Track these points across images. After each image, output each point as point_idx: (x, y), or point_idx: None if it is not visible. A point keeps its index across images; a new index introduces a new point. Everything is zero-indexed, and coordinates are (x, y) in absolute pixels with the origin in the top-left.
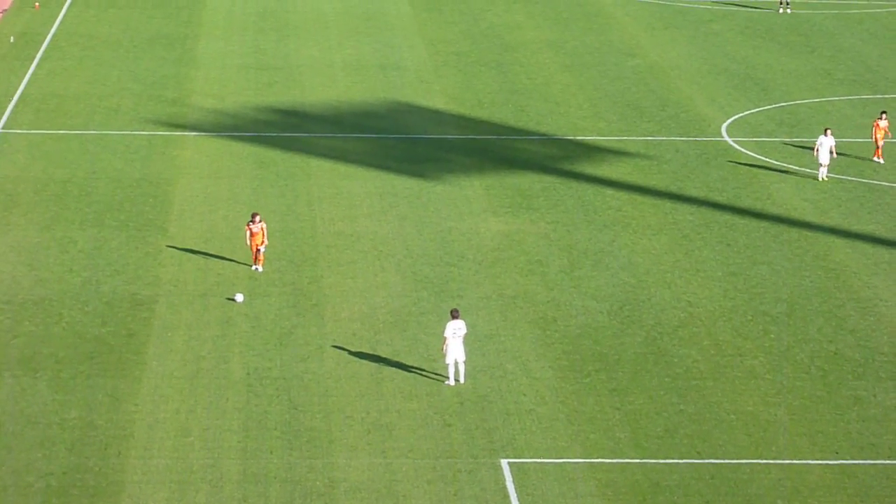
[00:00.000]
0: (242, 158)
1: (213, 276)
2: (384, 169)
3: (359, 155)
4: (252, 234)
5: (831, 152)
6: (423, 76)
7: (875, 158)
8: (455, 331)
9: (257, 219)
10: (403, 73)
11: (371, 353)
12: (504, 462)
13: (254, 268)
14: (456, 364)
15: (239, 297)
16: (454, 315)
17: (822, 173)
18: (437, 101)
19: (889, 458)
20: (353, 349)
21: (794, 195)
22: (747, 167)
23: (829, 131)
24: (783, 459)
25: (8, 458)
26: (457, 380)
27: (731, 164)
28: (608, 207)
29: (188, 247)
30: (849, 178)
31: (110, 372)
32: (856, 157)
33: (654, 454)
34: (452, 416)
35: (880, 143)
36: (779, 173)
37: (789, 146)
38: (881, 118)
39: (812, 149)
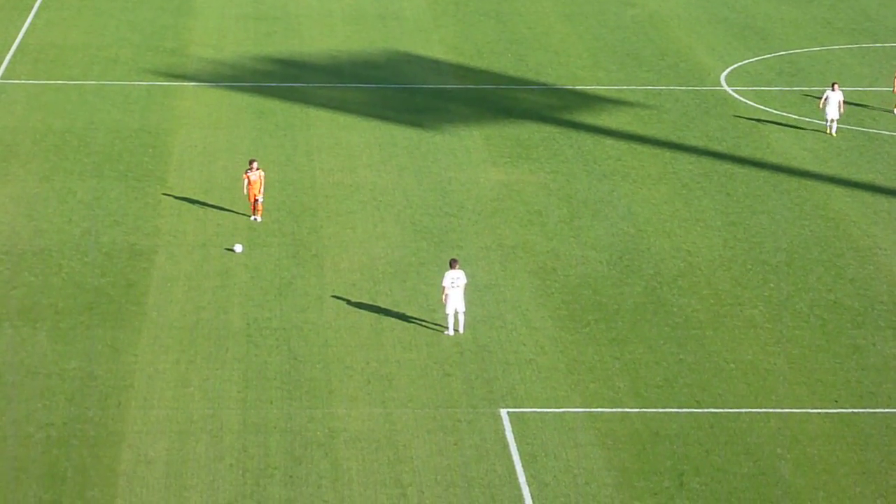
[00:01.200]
0: (241, 109)
1: (213, 227)
2: (383, 119)
3: (358, 105)
4: (250, 183)
5: (840, 107)
6: (422, 25)
7: (895, 110)
8: (454, 280)
9: (255, 166)
10: (402, 23)
11: (370, 303)
12: (503, 412)
13: (252, 218)
14: (455, 314)
15: (238, 248)
16: (453, 265)
17: (832, 128)
18: (436, 51)
19: (888, 406)
20: (352, 299)
21: (794, 144)
22: (746, 117)
23: (836, 85)
24: (782, 408)
25: (8, 408)
26: (456, 330)
27: (730, 113)
28: (607, 157)
29: (187, 197)
30: (848, 126)
31: (110, 322)
32: (856, 105)
33: (653, 403)
34: (452, 366)
35: None
36: (778, 123)
37: (788, 95)
38: None
39: (816, 98)
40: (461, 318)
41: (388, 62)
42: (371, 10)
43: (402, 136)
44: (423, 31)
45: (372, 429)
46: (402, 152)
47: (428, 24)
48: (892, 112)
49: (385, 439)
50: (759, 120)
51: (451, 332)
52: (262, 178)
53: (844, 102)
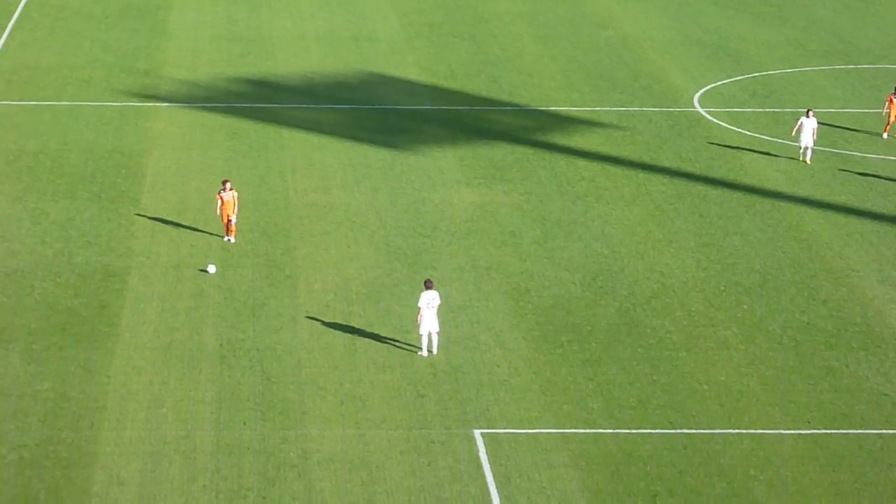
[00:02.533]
0: (215, 130)
1: (186, 248)
2: (357, 140)
3: (331, 126)
4: (223, 203)
5: (813, 134)
6: (396, 47)
7: (884, 135)
8: (429, 301)
9: (228, 186)
10: (376, 44)
11: (344, 324)
12: (477, 433)
13: (226, 239)
14: (430, 335)
15: (211, 269)
16: (428, 286)
17: (807, 155)
18: (410, 72)
19: (861, 427)
20: (326, 320)
21: (767, 166)
22: (720, 138)
23: (810, 112)
24: (756, 429)
25: None
26: (430, 351)
27: (703, 135)
28: (581, 178)
29: (161, 218)
30: (821, 148)
31: (83, 343)
32: (829, 127)
33: (626, 424)
34: (426, 386)
35: (892, 120)
36: (751, 144)
37: (762, 117)
38: None
39: (790, 120)
40: (435, 338)
41: (362, 83)
42: (345, 31)
43: (375, 156)
44: (397, 53)
45: (345, 450)
46: (375, 173)
47: (402, 45)
48: (882, 136)
49: (358, 460)
50: (732, 141)
51: (424, 353)
52: (236, 198)
53: (819, 125)
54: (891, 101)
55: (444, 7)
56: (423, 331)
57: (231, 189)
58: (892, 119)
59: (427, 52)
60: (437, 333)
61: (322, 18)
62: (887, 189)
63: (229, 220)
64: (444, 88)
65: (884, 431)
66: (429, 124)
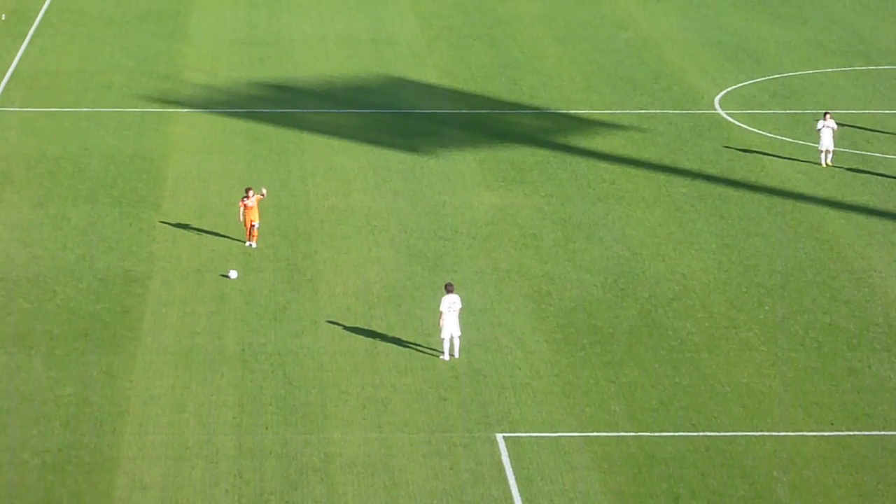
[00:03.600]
0: (235, 134)
1: (207, 252)
2: (377, 143)
3: (352, 129)
4: (246, 209)
5: (833, 136)
6: (416, 50)
7: None
8: (450, 305)
9: (251, 193)
10: (396, 48)
11: (365, 327)
12: (499, 436)
13: (248, 244)
14: (451, 339)
15: (233, 274)
16: (449, 290)
17: (828, 158)
18: (430, 75)
19: (884, 429)
20: (347, 324)
21: (788, 167)
22: (740, 140)
23: (828, 115)
24: (778, 431)
25: (3, 435)
26: (451, 355)
27: (724, 136)
28: (601, 180)
29: (182, 222)
30: (842, 149)
31: (104, 348)
32: (850, 127)
33: (649, 427)
34: (447, 390)
35: None
36: (772, 145)
37: (782, 118)
38: None
39: (809, 125)
40: (457, 342)
41: (382, 87)
42: (364, 34)
43: (396, 160)
44: (417, 56)
45: (367, 453)
46: (396, 176)
47: (421, 48)
48: None
49: (380, 464)
50: (752, 143)
51: (446, 356)
52: (259, 202)
53: (839, 126)
54: None
55: (463, 9)
56: (445, 335)
57: (254, 195)
58: None
59: (446, 55)
60: (459, 337)
61: (341, 22)
62: None
63: (252, 226)
64: (463, 91)
65: None
66: (449, 127)
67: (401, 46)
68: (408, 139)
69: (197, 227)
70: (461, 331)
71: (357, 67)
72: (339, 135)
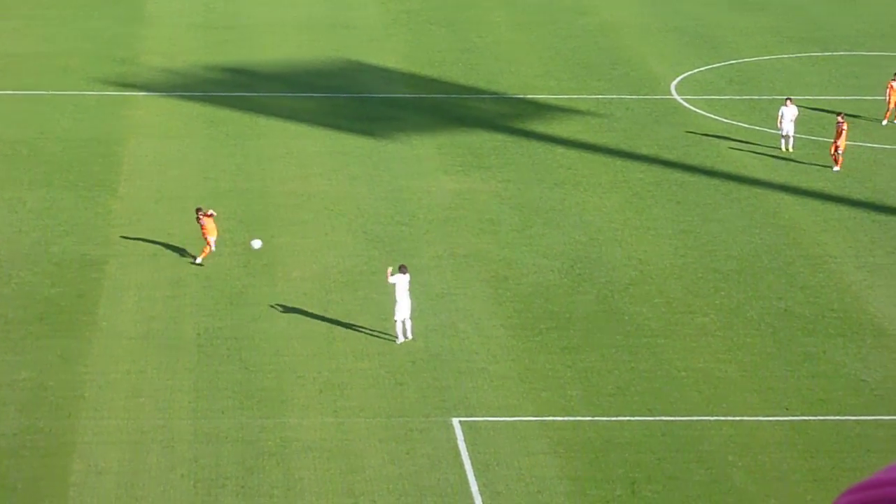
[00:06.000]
0: (193, 118)
1: (164, 237)
2: (335, 128)
3: (310, 114)
4: (204, 228)
5: (794, 122)
6: (374, 35)
7: (884, 121)
8: (403, 283)
9: (201, 214)
10: (354, 32)
11: (323, 312)
12: (456, 421)
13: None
14: (403, 322)
15: (256, 244)
16: (403, 270)
17: (787, 144)
18: (389, 60)
19: (839, 413)
20: (304, 309)
21: (744, 153)
22: (697, 125)
23: (789, 101)
24: (734, 416)
25: None
26: (406, 336)
27: (681, 122)
28: (559, 166)
29: (138, 207)
30: (798, 135)
31: (61, 333)
32: (808, 111)
33: (606, 412)
34: (405, 375)
35: (893, 106)
36: (728, 131)
37: (739, 104)
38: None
39: (766, 111)
40: (408, 323)
41: (341, 71)
42: (323, 19)
43: (354, 145)
44: (375, 41)
45: (324, 438)
46: (354, 161)
47: (379, 33)
48: (882, 122)
49: (338, 449)
50: (709, 129)
51: (401, 339)
52: (212, 219)
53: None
54: (891, 87)
55: None
56: (399, 316)
57: (203, 214)
58: (892, 105)
59: (405, 40)
60: (410, 318)
61: (300, 6)
62: (863, 175)
63: (208, 241)
64: (422, 76)
65: (861, 417)
66: (407, 112)
67: (359, 31)
68: (366, 124)
69: (153, 211)
70: (412, 311)
71: (316, 52)
72: (297, 119)
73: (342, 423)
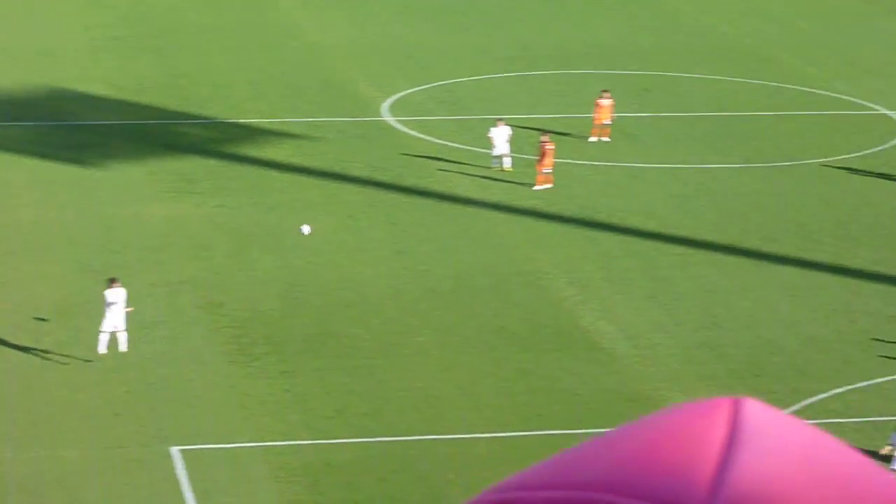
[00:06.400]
0: None
1: None
2: (42, 157)
3: (15, 143)
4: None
5: (508, 141)
6: (81, 62)
7: (592, 138)
8: (114, 297)
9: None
10: (60, 59)
11: (35, 345)
12: (175, 449)
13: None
14: (114, 333)
15: (305, 229)
16: (113, 283)
17: (504, 163)
18: (96, 87)
19: (554, 428)
20: (16, 342)
21: (457, 173)
22: (410, 147)
23: (500, 122)
24: (452, 434)
25: None
26: (115, 350)
27: (393, 143)
28: (273, 189)
29: None
30: (512, 154)
31: None
32: (517, 129)
33: (325, 434)
34: (121, 405)
35: (603, 121)
36: (441, 151)
37: (450, 124)
38: (602, 97)
39: (476, 131)
40: (121, 336)
41: (47, 99)
42: (26, 45)
43: (62, 173)
44: (82, 68)
45: (40, 472)
46: (63, 190)
47: (86, 60)
48: (589, 139)
49: (55, 482)
50: (422, 150)
51: (103, 349)
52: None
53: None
54: (598, 104)
55: (128, 20)
56: (106, 327)
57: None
58: (598, 122)
59: (113, 66)
60: (125, 330)
61: (2, 32)
62: (572, 192)
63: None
64: (131, 102)
65: (576, 431)
66: (116, 139)
67: (65, 58)
68: (74, 152)
69: None
70: (126, 324)
71: (20, 79)
72: (1, 149)
73: (58, 457)
